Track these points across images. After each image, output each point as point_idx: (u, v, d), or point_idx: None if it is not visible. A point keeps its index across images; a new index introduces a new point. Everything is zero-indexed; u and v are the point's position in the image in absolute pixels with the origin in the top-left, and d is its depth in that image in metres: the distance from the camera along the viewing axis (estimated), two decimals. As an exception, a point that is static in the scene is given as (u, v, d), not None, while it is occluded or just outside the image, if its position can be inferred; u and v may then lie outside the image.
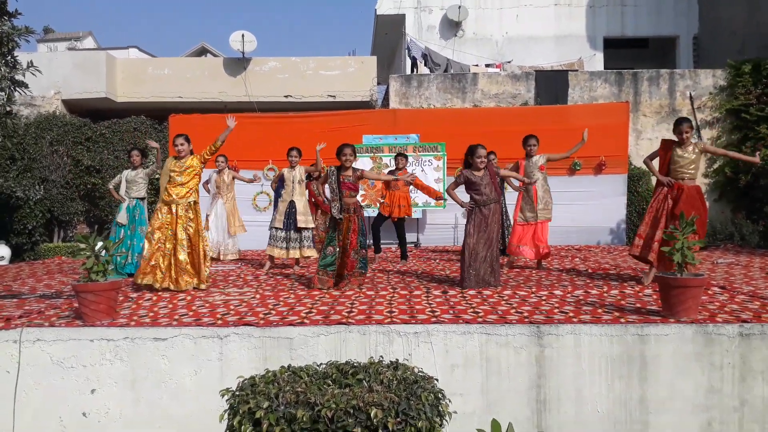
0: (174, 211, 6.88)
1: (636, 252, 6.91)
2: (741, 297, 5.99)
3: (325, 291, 6.67)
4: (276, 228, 8.58)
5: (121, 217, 8.44)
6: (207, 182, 10.13)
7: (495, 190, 6.86)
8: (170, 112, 13.00)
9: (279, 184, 8.88)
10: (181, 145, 6.97)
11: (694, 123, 14.11)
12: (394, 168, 10.04)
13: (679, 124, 6.72)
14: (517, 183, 8.64)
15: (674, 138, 6.83)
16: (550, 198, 8.59)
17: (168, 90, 16.26)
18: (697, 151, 6.69)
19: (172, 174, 6.92)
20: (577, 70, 15.26)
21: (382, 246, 12.39)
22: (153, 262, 6.83)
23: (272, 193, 10.06)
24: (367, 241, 7.56)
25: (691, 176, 6.67)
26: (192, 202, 6.97)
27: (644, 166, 13.75)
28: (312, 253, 8.69)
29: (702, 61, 17.59)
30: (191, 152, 7.09)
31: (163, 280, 6.82)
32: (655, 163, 7.03)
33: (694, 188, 6.65)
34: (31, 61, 9.34)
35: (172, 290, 6.79)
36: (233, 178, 10.11)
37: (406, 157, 9.79)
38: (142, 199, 8.63)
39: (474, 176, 6.81)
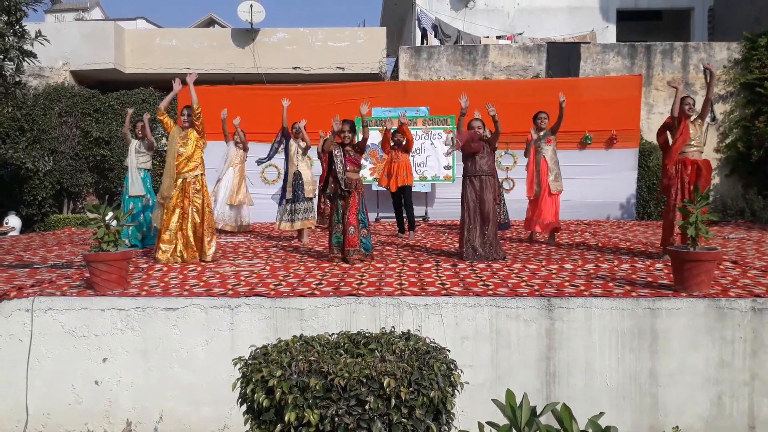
0: (180, 185, 6.88)
1: None
2: (753, 272, 5.96)
3: (336, 264, 6.67)
4: (286, 200, 8.66)
5: (134, 188, 8.38)
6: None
7: (489, 164, 6.86)
8: (178, 84, 12.91)
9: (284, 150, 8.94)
10: (184, 116, 7.01)
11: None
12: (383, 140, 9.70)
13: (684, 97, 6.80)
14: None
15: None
16: (559, 170, 8.50)
17: (176, 61, 16.16)
18: (699, 121, 6.80)
19: (178, 145, 6.91)
20: (589, 43, 15.04)
21: (382, 219, 12.33)
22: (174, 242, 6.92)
23: (281, 166, 10.06)
24: (369, 218, 7.42)
25: (699, 149, 6.75)
26: (198, 175, 6.98)
27: (656, 141, 13.74)
28: (311, 224, 8.86)
29: (717, 33, 17.28)
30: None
31: (174, 253, 6.88)
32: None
33: (703, 162, 6.71)
34: (39, 31, 9.29)
35: (181, 262, 6.82)
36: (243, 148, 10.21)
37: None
38: (149, 170, 8.61)
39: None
